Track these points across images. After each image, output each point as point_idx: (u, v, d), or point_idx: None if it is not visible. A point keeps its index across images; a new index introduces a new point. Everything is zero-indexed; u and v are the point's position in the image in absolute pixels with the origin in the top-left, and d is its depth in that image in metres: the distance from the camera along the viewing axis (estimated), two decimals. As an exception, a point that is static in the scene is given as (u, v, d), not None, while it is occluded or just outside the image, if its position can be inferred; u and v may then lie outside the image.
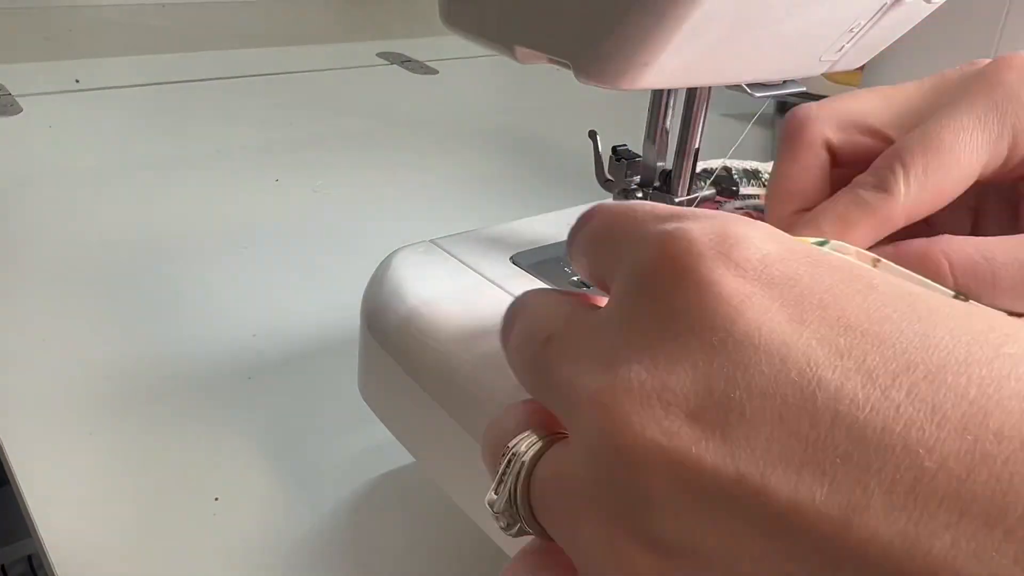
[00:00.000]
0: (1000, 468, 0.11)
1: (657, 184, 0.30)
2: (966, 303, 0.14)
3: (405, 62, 1.03)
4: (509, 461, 0.17)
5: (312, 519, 0.35)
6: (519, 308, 0.19)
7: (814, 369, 0.13)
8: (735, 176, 0.37)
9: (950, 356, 0.12)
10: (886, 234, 0.22)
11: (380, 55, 1.05)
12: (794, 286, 0.14)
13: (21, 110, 0.76)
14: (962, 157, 0.22)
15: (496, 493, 0.17)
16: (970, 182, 0.22)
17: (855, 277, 0.14)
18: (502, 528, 0.17)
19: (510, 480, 0.17)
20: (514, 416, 0.18)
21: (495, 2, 0.25)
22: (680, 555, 0.13)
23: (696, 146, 0.29)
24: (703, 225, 0.15)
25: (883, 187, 0.22)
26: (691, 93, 0.29)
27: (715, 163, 0.39)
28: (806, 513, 0.12)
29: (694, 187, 0.30)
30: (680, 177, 0.30)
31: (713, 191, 0.30)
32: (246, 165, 0.70)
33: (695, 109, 0.29)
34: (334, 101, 0.88)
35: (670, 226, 0.15)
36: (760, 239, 0.15)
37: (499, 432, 0.18)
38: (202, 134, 0.75)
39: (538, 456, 0.17)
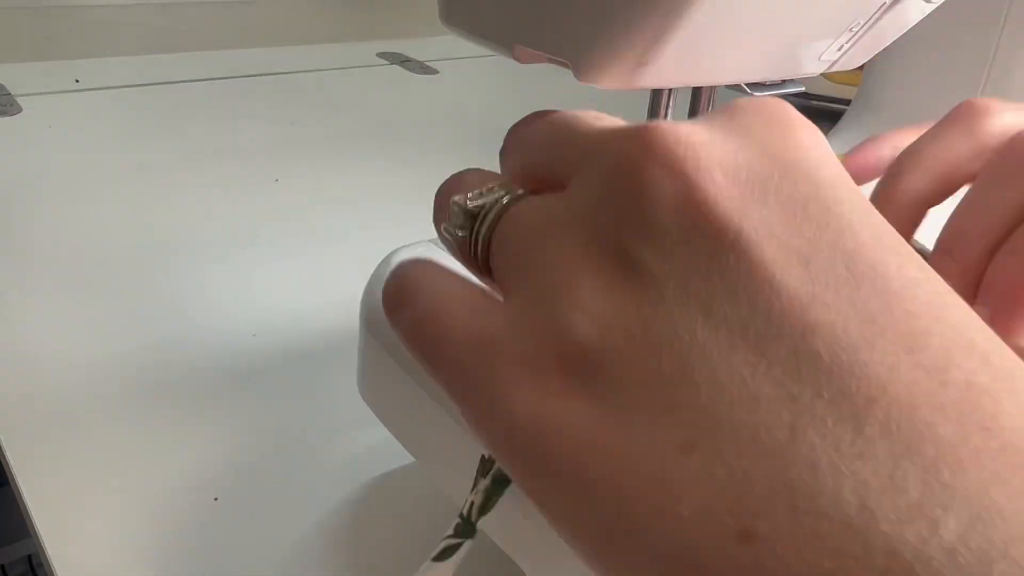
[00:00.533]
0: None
1: None
2: None
3: (405, 62, 1.03)
4: (492, 188, 0.18)
5: (312, 519, 0.35)
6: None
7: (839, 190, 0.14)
8: None
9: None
10: None
11: (380, 55, 1.05)
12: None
13: (21, 110, 0.76)
14: None
15: (468, 199, 0.18)
16: None
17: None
18: (455, 227, 0.18)
19: (490, 199, 0.17)
20: (485, 173, 0.19)
21: (495, 2, 0.25)
22: (644, 279, 0.14)
23: None
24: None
25: None
26: (695, 98, 0.29)
27: None
28: (780, 283, 0.13)
29: None
30: None
31: None
32: (246, 165, 0.70)
33: (706, 94, 0.29)
34: (334, 101, 0.88)
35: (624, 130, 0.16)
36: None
37: (472, 177, 0.19)
38: (202, 134, 0.75)
39: (521, 196, 0.17)
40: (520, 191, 0.17)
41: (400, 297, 0.18)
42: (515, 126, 0.20)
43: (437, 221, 0.20)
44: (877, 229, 0.14)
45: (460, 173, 0.20)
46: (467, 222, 0.18)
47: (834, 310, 0.13)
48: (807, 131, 0.15)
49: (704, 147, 0.14)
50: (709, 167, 0.14)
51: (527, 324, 0.15)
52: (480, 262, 0.17)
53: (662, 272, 0.14)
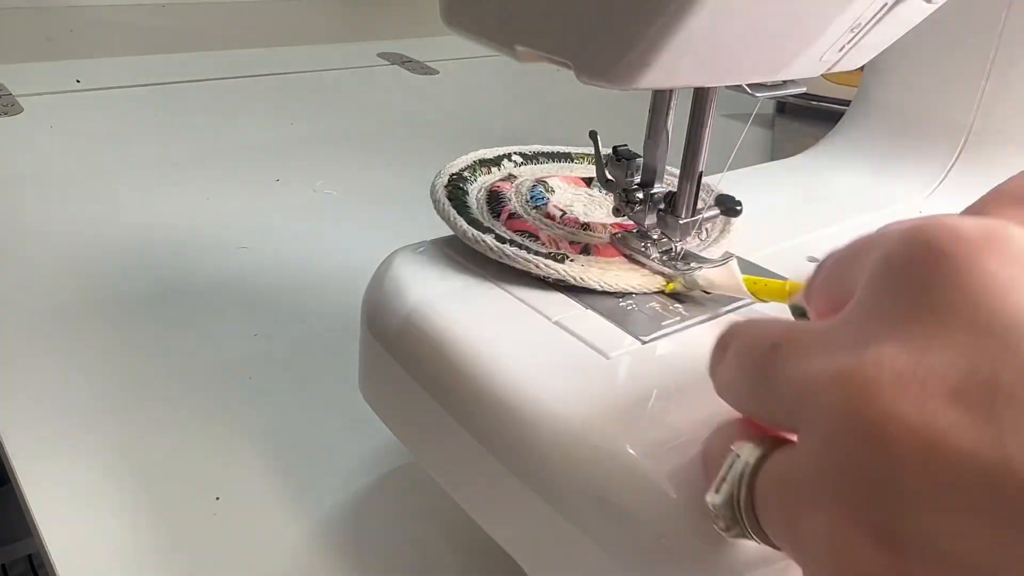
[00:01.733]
0: None
1: (662, 207, 0.30)
2: None
3: (405, 62, 1.03)
4: (731, 464, 0.17)
5: (312, 519, 0.35)
6: (733, 329, 0.18)
7: None
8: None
9: None
10: None
11: (380, 55, 1.05)
12: None
13: (22, 110, 0.76)
14: None
15: (717, 492, 0.17)
16: None
17: None
18: (720, 530, 0.17)
19: (732, 479, 0.17)
20: (734, 427, 0.18)
21: (495, 2, 0.25)
22: (921, 556, 0.12)
23: (700, 169, 0.29)
24: (958, 217, 0.14)
25: None
26: (696, 108, 0.29)
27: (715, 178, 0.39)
28: None
29: (698, 208, 0.30)
30: (684, 198, 0.30)
31: (717, 211, 0.31)
32: (246, 165, 0.70)
33: (698, 129, 0.29)
34: (334, 101, 0.88)
35: (924, 220, 0.14)
36: (1010, 225, 0.14)
37: (720, 440, 0.18)
38: (202, 134, 0.75)
39: (762, 458, 0.16)
40: (750, 461, 0.17)
41: None
42: (711, 353, 0.19)
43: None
44: None
45: (704, 446, 0.19)
46: (730, 523, 0.17)
47: None
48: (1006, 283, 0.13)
49: (930, 383, 0.12)
50: (930, 403, 0.12)
51: None
52: (760, 539, 0.17)
53: (930, 536, 0.12)
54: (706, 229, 0.33)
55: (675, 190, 0.30)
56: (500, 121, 0.87)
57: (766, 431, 0.18)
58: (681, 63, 0.22)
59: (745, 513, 0.16)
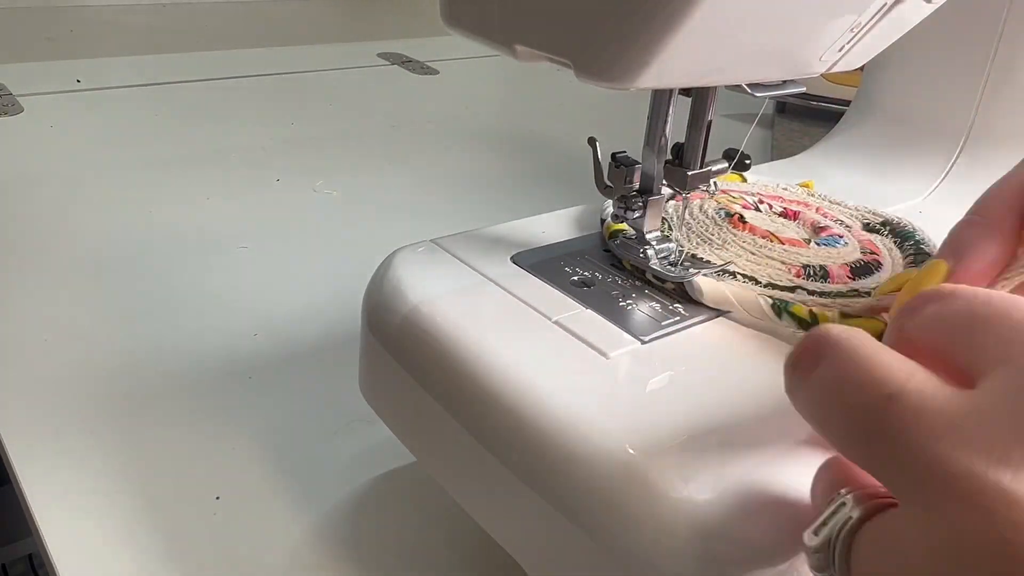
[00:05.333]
0: None
1: (670, 157, 0.30)
2: None
3: (405, 62, 1.03)
4: (835, 509, 0.17)
5: (312, 519, 0.35)
6: (824, 342, 0.17)
7: None
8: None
9: None
10: None
11: (380, 55, 1.05)
12: None
13: (22, 110, 0.76)
14: None
15: (816, 534, 0.17)
16: None
17: None
18: (812, 567, 0.17)
19: (834, 527, 0.17)
20: (843, 467, 0.18)
21: (496, 2, 0.25)
22: None
23: (709, 119, 0.29)
24: None
25: None
26: (696, 98, 0.29)
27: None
28: None
29: (706, 161, 0.30)
30: (693, 150, 0.29)
31: (726, 164, 0.30)
32: (246, 165, 0.70)
33: (709, 94, 0.29)
34: (334, 101, 0.88)
35: None
36: None
37: (830, 475, 0.18)
38: (202, 134, 0.75)
39: (866, 516, 0.16)
40: (854, 515, 0.16)
41: None
42: (790, 360, 0.18)
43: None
44: None
45: (813, 484, 0.19)
46: (821, 564, 0.17)
47: None
48: None
49: None
50: None
51: None
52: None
53: None
54: (715, 183, 0.32)
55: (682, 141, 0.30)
56: (500, 121, 0.87)
57: (874, 483, 0.17)
58: (680, 63, 0.22)
59: (839, 564, 0.16)
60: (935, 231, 0.34)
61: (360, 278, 0.32)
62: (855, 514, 0.16)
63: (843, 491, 0.17)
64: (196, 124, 0.78)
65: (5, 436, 0.37)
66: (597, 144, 0.32)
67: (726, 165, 0.30)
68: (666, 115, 0.29)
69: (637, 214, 0.31)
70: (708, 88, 0.28)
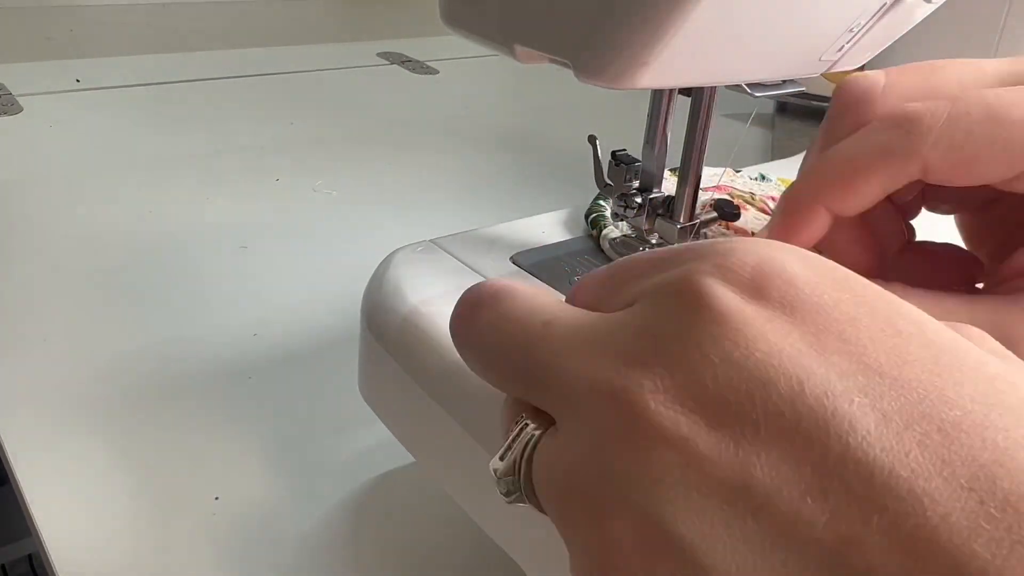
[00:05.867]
0: (1001, 535, 0.11)
1: (660, 212, 0.30)
2: (1001, 362, 0.14)
3: (405, 62, 1.03)
4: (519, 432, 0.17)
5: (312, 519, 0.35)
6: (487, 291, 0.18)
7: (831, 399, 0.13)
8: (742, 186, 0.37)
9: (967, 416, 0.12)
10: (896, 188, 0.21)
11: (380, 55, 1.05)
12: (817, 314, 0.14)
13: (22, 109, 0.76)
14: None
15: (501, 459, 0.17)
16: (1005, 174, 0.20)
17: (880, 313, 0.14)
18: (502, 493, 0.18)
19: (517, 449, 0.17)
20: (512, 400, 0.19)
21: (495, 2, 0.25)
22: (668, 548, 0.13)
23: (699, 173, 0.29)
24: (731, 249, 0.15)
25: (907, 128, 0.20)
26: (695, 110, 0.29)
27: (718, 170, 0.39)
28: (805, 536, 0.12)
29: (696, 213, 0.30)
30: (683, 203, 0.30)
31: (714, 215, 0.31)
32: (246, 165, 0.70)
33: (697, 133, 0.29)
34: (334, 101, 0.88)
35: (699, 253, 0.15)
36: (789, 263, 0.15)
37: (512, 406, 0.18)
38: (202, 134, 0.75)
39: (538, 440, 0.17)
40: (535, 434, 0.17)
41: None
42: (454, 314, 0.19)
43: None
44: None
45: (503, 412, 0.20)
46: (510, 488, 0.18)
47: None
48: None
49: (694, 413, 0.14)
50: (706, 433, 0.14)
51: None
52: (537, 507, 0.17)
53: (691, 537, 0.13)
54: (704, 234, 0.33)
55: (672, 195, 0.30)
56: (500, 121, 0.87)
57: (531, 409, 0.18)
58: (680, 63, 0.22)
59: (524, 485, 0.17)
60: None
61: (360, 278, 0.32)
62: (536, 433, 0.17)
63: (523, 415, 0.17)
64: (196, 124, 0.78)
65: (5, 436, 0.37)
66: (597, 142, 0.32)
67: (715, 216, 0.31)
68: (666, 114, 0.29)
69: (637, 212, 0.31)
70: (707, 88, 0.28)
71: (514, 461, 0.17)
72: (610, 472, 0.14)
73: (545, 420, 0.17)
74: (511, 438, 0.17)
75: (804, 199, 0.22)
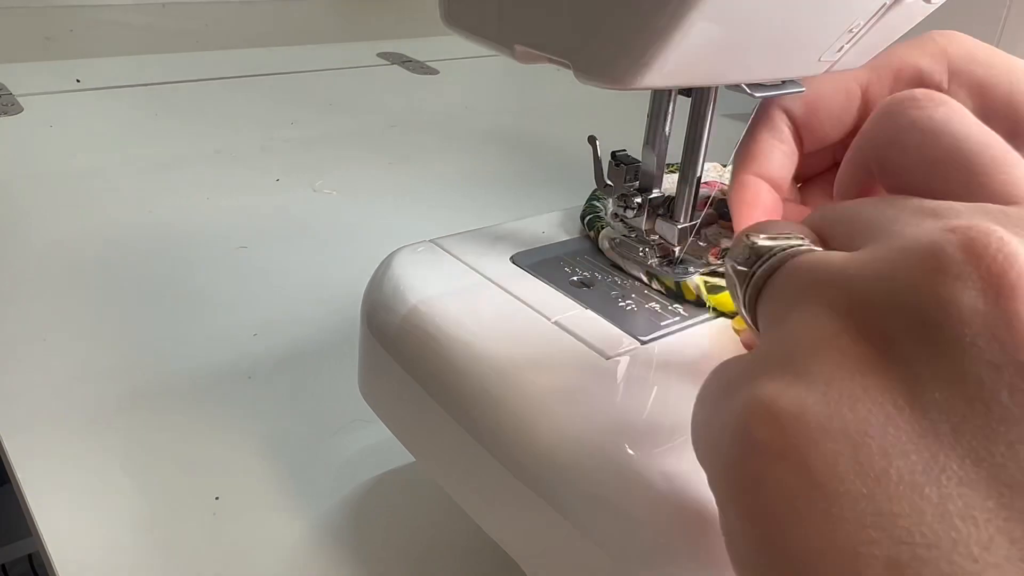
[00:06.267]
0: None
1: (660, 212, 0.30)
2: None
3: (405, 62, 1.03)
4: (790, 237, 0.17)
5: (312, 519, 0.35)
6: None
7: None
8: None
9: None
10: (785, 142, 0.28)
11: (380, 55, 1.05)
12: None
13: (22, 109, 0.76)
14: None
15: (761, 237, 0.18)
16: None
17: None
18: (735, 259, 0.18)
19: (784, 244, 0.17)
20: (793, 224, 0.19)
21: (495, 2, 0.25)
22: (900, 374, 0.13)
23: (698, 175, 0.29)
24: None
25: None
26: (695, 110, 0.29)
27: (707, 165, 0.39)
28: None
29: (696, 213, 0.30)
30: (683, 203, 0.30)
31: (715, 215, 0.31)
32: (246, 165, 0.70)
33: (697, 133, 0.29)
34: (334, 101, 0.88)
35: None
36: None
37: (777, 224, 0.18)
38: (202, 134, 0.75)
39: (803, 253, 0.17)
40: (813, 246, 0.17)
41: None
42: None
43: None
44: None
45: (769, 221, 0.20)
46: (750, 258, 0.17)
47: None
48: None
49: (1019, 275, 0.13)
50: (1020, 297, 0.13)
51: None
52: (747, 303, 0.17)
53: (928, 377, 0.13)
54: (704, 235, 0.33)
55: (672, 195, 0.30)
56: (500, 121, 0.87)
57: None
58: (680, 63, 0.22)
59: (761, 271, 0.17)
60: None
61: (360, 278, 0.32)
62: (809, 246, 0.17)
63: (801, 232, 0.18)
64: (196, 124, 0.78)
65: (5, 436, 0.37)
66: (597, 142, 0.32)
67: (715, 215, 0.31)
68: (666, 113, 0.29)
69: (636, 212, 0.31)
70: (708, 88, 0.28)
71: (772, 248, 0.17)
72: (900, 286, 0.14)
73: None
74: (784, 234, 0.17)
75: (736, 173, 0.28)
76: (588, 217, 0.34)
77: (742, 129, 0.29)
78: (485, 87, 1.01)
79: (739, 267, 0.18)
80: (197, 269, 0.53)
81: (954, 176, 0.17)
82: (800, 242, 0.17)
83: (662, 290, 0.30)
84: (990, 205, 0.16)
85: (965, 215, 0.15)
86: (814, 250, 0.17)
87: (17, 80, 0.82)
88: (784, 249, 0.17)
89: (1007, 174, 0.16)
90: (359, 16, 1.36)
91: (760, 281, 0.17)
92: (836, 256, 0.16)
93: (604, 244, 0.32)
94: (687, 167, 0.29)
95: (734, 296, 0.18)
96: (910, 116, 0.18)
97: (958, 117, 0.18)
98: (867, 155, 0.20)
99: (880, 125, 0.19)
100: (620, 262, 0.31)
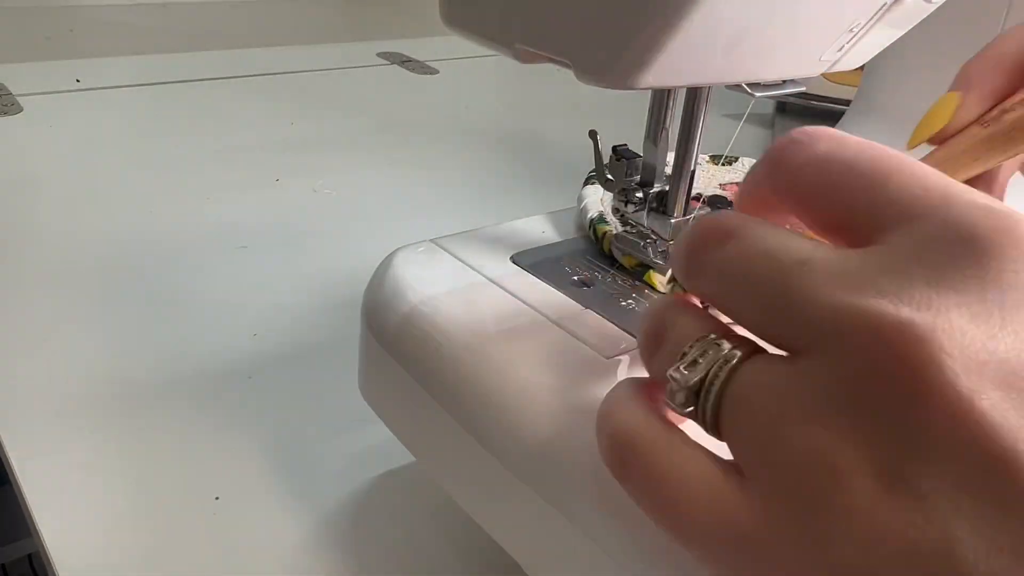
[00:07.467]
0: None
1: (654, 206, 0.30)
2: None
3: (405, 62, 1.03)
4: (705, 349, 0.17)
5: (312, 519, 0.35)
6: (736, 221, 0.17)
7: None
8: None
9: None
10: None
11: (380, 55, 1.05)
12: None
13: (22, 110, 0.76)
14: None
15: (684, 371, 0.17)
16: None
17: None
18: (678, 405, 0.17)
19: (709, 363, 0.17)
20: (697, 316, 0.18)
21: (495, 2, 0.25)
22: (912, 505, 0.13)
23: (692, 168, 0.29)
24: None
25: None
26: (689, 107, 0.29)
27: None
28: None
29: (689, 207, 0.30)
30: (676, 198, 0.30)
31: (709, 211, 0.31)
32: (246, 165, 0.70)
33: (691, 128, 0.29)
34: (334, 101, 0.88)
35: (988, 202, 0.15)
36: None
37: (683, 325, 0.18)
38: (202, 134, 0.75)
39: (746, 357, 0.16)
40: (737, 352, 0.16)
41: (626, 459, 0.18)
42: (690, 243, 0.18)
43: (648, 362, 0.19)
44: None
45: (658, 310, 0.19)
46: (690, 399, 0.17)
47: None
48: None
49: (990, 364, 0.13)
50: (981, 379, 0.13)
51: (787, 538, 0.14)
52: (711, 431, 0.17)
53: (931, 489, 0.13)
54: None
55: (667, 189, 0.30)
56: (500, 121, 0.87)
57: (733, 334, 0.17)
58: (680, 63, 0.22)
59: (712, 403, 0.16)
60: None
61: (360, 278, 0.32)
62: (738, 352, 0.16)
63: (709, 336, 0.17)
64: (196, 124, 0.78)
65: (5, 436, 0.37)
66: (598, 137, 0.32)
67: (709, 212, 0.31)
68: (667, 108, 0.29)
69: (638, 207, 0.31)
70: (700, 88, 0.29)
71: (705, 375, 0.17)
72: (870, 401, 0.14)
73: (745, 345, 0.17)
74: (698, 352, 0.17)
75: None
76: (591, 219, 0.34)
77: (743, 129, 0.29)
78: (485, 87, 1.01)
79: (685, 410, 0.17)
80: (197, 269, 0.53)
81: (854, 194, 0.16)
82: (723, 357, 0.17)
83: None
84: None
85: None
86: (744, 360, 0.16)
87: (17, 80, 0.82)
88: (716, 371, 0.16)
89: (904, 175, 0.16)
90: (359, 16, 1.36)
91: (714, 411, 0.16)
92: (783, 373, 0.15)
93: (609, 243, 0.32)
94: (680, 163, 0.29)
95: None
96: (802, 154, 0.18)
97: (838, 141, 0.17)
98: (770, 195, 0.19)
99: (776, 167, 0.18)
100: (623, 258, 0.31)
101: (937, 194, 0.15)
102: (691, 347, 0.17)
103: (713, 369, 0.16)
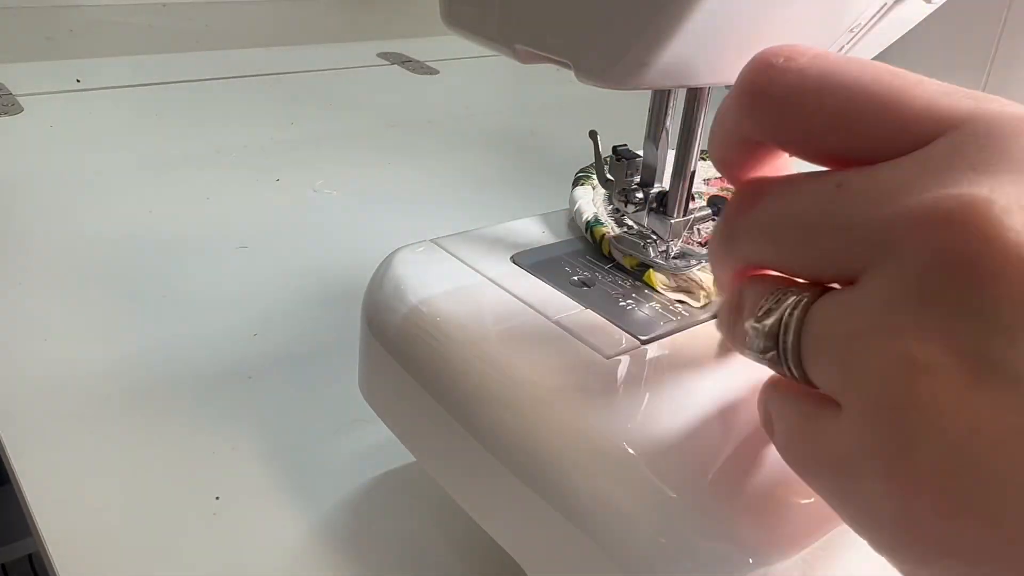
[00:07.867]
0: None
1: (653, 206, 0.30)
2: None
3: (405, 62, 1.03)
4: (780, 298, 0.17)
5: (312, 519, 0.35)
6: (767, 180, 0.17)
7: None
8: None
9: None
10: None
11: (380, 55, 1.05)
12: None
13: (22, 110, 0.76)
14: None
15: (759, 323, 0.17)
16: None
17: None
18: (758, 352, 0.17)
19: (785, 310, 0.17)
20: (767, 279, 0.18)
21: (495, 2, 0.25)
22: (1009, 385, 0.12)
23: (692, 169, 0.29)
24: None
25: None
26: (689, 107, 0.29)
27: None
28: None
29: (689, 208, 0.30)
30: (677, 199, 0.30)
31: (708, 211, 0.31)
32: (246, 165, 0.70)
33: (691, 130, 0.29)
34: (334, 101, 0.88)
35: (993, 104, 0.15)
36: None
37: (756, 290, 0.18)
38: (202, 134, 0.75)
39: (815, 299, 0.16)
40: (806, 295, 0.16)
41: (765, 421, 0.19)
42: (726, 216, 0.18)
43: (731, 332, 0.19)
44: None
45: (735, 285, 0.19)
46: (770, 344, 0.17)
47: None
48: None
49: None
50: None
51: (878, 452, 0.14)
52: (796, 372, 0.17)
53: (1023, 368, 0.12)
54: (698, 230, 0.33)
55: (667, 189, 0.30)
56: (500, 121, 0.87)
57: (803, 284, 0.17)
58: (680, 63, 0.22)
59: (791, 341, 0.16)
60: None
61: (360, 278, 0.32)
62: (805, 296, 0.16)
63: (778, 290, 0.17)
64: (196, 124, 0.78)
65: (5, 436, 0.37)
66: (598, 137, 0.32)
67: (709, 212, 0.31)
68: (667, 108, 0.29)
69: (638, 207, 0.31)
70: (701, 88, 0.29)
71: (780, 318, 0.17)
72: (937, 298, 0.13)
73: (815, 288, 0.17)
74: (770, 302, 0.17)
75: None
76: (588, 222, 0.34)
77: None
78: (485, 87, 1.01)
79: (767, 356, 0.17)
80: (197, 269, 0.53)
81: (868, 118, 0.16)
82: (793, 301, 0.17)
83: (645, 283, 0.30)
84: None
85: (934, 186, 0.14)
86: (812, 299, 0.16)
87: (17, 80, 0.82)
88: (789, 315, 0.17)
89: (918, 89, 0.15)
90: (359, 16, 1.36)
91: (795, 354, 0.17)
92: (852, 299, 0.15)
93: (608, 244, 0.32)
94: (680, 163, 0.29)
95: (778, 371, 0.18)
96: (785, 82, 0.17)
97: (824, 60, 0.16)
98: (753, 133, 0.18)
99: (757, 101, 0.17)
100: (622, 258, 0.31)
101: (963, 97, 0.15)
102: (765, 300, 0.17)
103: (787, 311, 0.17)
